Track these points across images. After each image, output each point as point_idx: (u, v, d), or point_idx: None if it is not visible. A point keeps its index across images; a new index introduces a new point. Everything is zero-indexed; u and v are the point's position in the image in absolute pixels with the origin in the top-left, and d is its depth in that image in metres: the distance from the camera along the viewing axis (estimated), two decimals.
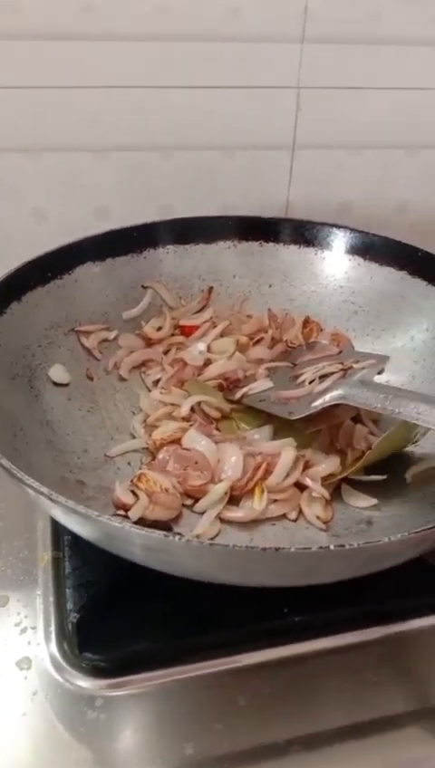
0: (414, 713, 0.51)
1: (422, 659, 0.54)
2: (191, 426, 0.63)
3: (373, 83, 0.83)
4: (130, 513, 0.56)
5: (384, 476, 0.60)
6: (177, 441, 0.62)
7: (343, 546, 0.39)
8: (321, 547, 0.38)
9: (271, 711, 0.50)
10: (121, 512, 0.57)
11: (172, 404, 0.67)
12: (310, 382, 0.67)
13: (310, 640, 0.54)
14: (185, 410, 0.65)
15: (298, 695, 0.51)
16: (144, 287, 0.76)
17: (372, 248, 0.74)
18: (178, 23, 0.75)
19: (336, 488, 0.61)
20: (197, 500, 0.59)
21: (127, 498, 0.56)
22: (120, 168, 0.82)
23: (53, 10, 0.72)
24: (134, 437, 0.66)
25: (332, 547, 0.38)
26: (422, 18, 0.79)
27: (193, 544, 0.39)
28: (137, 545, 0.42)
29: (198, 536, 0.54)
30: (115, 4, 0.73)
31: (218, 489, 0.57)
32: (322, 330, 0.77)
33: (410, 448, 0.63)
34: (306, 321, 0.77)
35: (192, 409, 0.66)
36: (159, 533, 0.39)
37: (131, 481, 0.57)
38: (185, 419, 0.65)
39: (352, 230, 0.75)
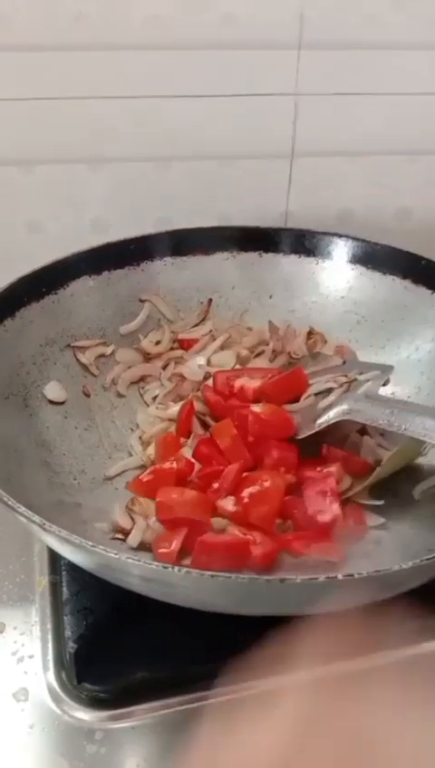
0: None
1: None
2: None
3: (372, 89, 0.81)
4: (129, 540, 0.54)
5: (382, 501, 0.58)
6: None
7: (351, 576, 0.37)
8: (328, 577, 0.36)
9: None
10: (120, 536, 0.55)
11: (169, 419, 0.65)
12: (315, 395, 0.65)
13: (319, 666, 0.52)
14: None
15: None
16: (142, 300, 0.74)
17: (375, 257, 0.73)
18: (171, 31, 0.73)
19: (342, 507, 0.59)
20: None
21: (125, 522, 0.54)
22: (116, 180, 0.81)
23: (46, 21, 0.71)
24: (132, 455, 0.64)
25: (340, 576, 0.36)
26: (419, 22, 0.78)
27: (193, 575, 0.37)
28: (134, 576, 0.40)
29: None
30: (108, 13, 0.72)
31: None
32: (326, 341, 0.75)
33: (418, 462, 0.61)
34: (310, 333, 0.75)
35: None
36: (157, 565, 0.37)
37: (127, 505, 0.55)
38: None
39: (354, 239, 0.73)
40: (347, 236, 0.74)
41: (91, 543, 0.39)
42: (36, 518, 0.41)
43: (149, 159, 0.80)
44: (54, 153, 0.78)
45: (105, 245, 0.71)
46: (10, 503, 0.42)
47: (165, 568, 0.37)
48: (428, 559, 0.38)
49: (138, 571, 0.39)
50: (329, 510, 0.56)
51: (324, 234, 0.75)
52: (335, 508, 0.56)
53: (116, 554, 0.38)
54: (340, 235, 0.74)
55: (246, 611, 0.44)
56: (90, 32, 0.72)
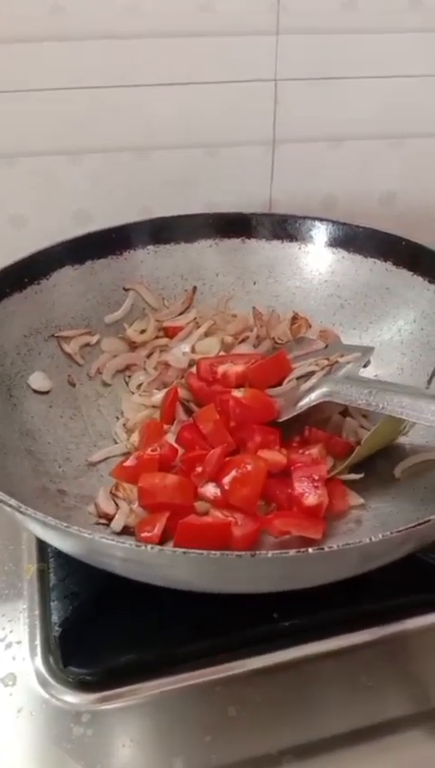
0: (413, 716, 0.49)
1: (419, 660, 0.53)
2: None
3: (352, 73, 0.81)
4: (112, 525, 0.54)
5: (361, 475, 0.58)
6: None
7: (322, 549, 0.37)
8: (299, 551, 0.36)
9: (263, 721, 0.48)
10: (104, 521, 0.55)
11: (154, 406, 0.65)
12: (297, 379, 0.65)
13: (301, 645, 0.52)
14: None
15: (291, 702, 0.49)
16: (126, 289, 0.74)
17: (356, 240, 0.73)
18: (149, 20, 0.73)
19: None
20: None
21: (108, 507, 0.55)
22: (98, 171, 0.81)
23: (23, 11, 0.71)
24: (117, 443, 0.64)
25: (310, 550, 0.37)
26: (398, 5, 0.78)
27: (166, 553, 0.37)
28: (111, 556, 0.41)
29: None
30: (85, 3, 0.72)
31: None
32: (310, 326, 0.75)
33: (398, 442, 0.61)
34: (295, 318, 0.75)
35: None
36: (130, 543, 0.37)
37: (110, 491, 0.55)
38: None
39: (335, 222, 0.74)
40: (328, 220, 0.74)
41: (65, 524, 0.39)
42: (12, 501, 0.41)
43: (129, 149, 0.81)
44: (35, 145, 0.78)
45: (87, 235, 0.71)
46: None
47: (138, 546, 0.37)
48: (398, 531, 0.38)
49: (113, 551, 0.40)
50: (315, 494, 0.56)
51: (305, 218, 0.75)
52: (322, 493, 0.56)
53: (90, 534, 0.38)
54: (321, 219, 0.75)
55: (224, 589, 0.44)
56: (67, 22, 0.72)
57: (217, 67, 0.78)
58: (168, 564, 0.39)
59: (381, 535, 0.37)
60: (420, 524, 0.39)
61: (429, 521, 0.40)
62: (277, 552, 0.37)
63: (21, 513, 0.41)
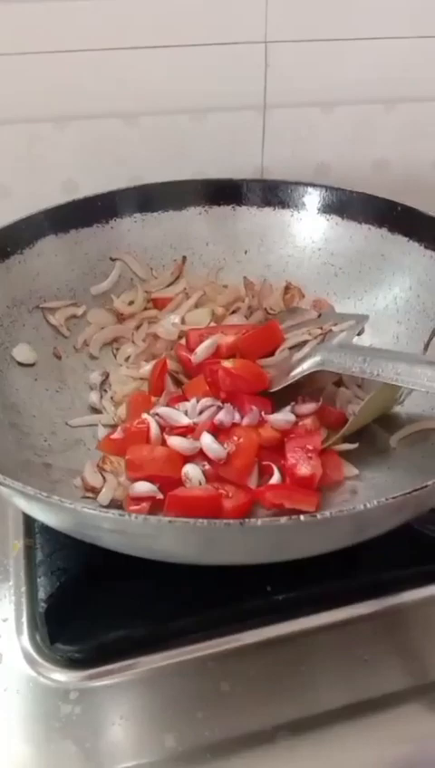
0: (410, 690, 0.48)
1: (417, 633, 0.51)
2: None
3: (345, 35, 0.78)
4: (99, 498, 0.53)
5: (356, 445, 0.57)
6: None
7: (314, 516, 0.35)
8: (290, 518, 0.35)
9: (256, 696, 0.47)
10: (91, 494, 0.54)
11: (142, 379, 0.63)
12: (290, 349, 0.64)
13: (296, 619, 0.51)
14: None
15: (285, 677, 0.48)
16: (112, 259, 0.72)
17: (350, 206, 0.71)
18: None
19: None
20: None
21: (95, 481, 0.53)
22: (84, 138, 0.78)
23: None
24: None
25: (302, 518, 0.35)
26: None
27: (151, 522, 0.36)
28: (95, 528, 0.39)
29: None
30: None
31: None
32: (303, 296, 0.73)
33: (394, 411, 0.60)
34: (287, 287, 0.73)
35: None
36: (114, 513, 0.36)
37: (97, 464, 0.54)
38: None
39: (328, 188, 0.72)
40: (321, 185, 0.72)
41: (47, 495, 0.37)
42: None
43: (116, 116, 0.78)
44: (17, 112, 0.75)
45: (71, 202, 0.69)
46: None
47: (122, 516, 0.36)
48: (393, 498, 0.36)
49: (98, 522, 0.38)
50: (308, 464, 0.55)
51: (298, 184, 0.73)
52: (316, 464, 0.54)
53: (73, 504, 0.37)
54: (314, 185, 0.72)
55: (212, 560, 0.43)
56: None
57: (206, 29, 0.75)
58: (154, 534, 0.38)
59: (376, 501, 0.36)
60: (416, 490, 0.38)
61: (425, 486, 0.38)
62: (268, 519, 0.35)
63: (3, 485, 0.39)
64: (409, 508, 0.40)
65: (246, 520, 0.34)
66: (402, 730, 0.46)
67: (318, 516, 0.35)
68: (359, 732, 0.46)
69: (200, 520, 0.34)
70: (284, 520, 0.35)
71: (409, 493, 0.37)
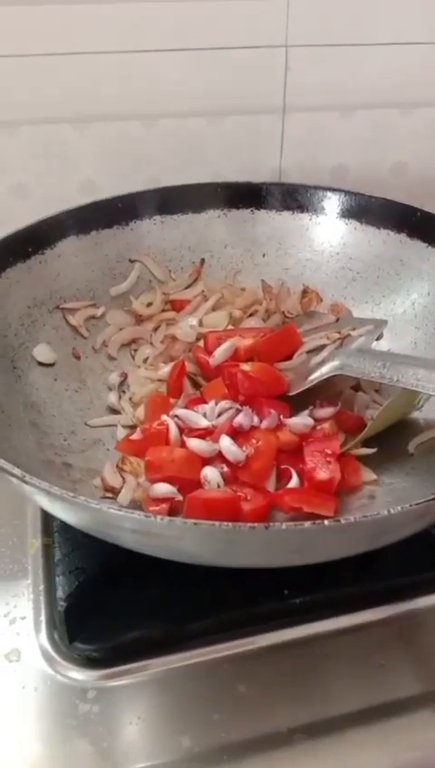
0: (425, 696, 0.48)
1: (432, 639, 0.52)
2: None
3: (365, 40, 0.79)
4: (119, 498, 0.53)
5: (374, 450, 0.57)
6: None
7: (338, 521, 0.36)
8: (314, 522, 0.35)
9: (272, 698, 0.47)
10: (110, 494, 0.54)
11: (160, 380, 0.64)
12: (308, 353, 0.64)
13: (312, 623, 0.51)
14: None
15: (301, 680, 0.48)
16: (132, 261, 0.72)
17: (369, 210, 0.71)
18: None
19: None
20: None
21: (115, 481, 0.53)
22: (103, 140, 0.79)
23: None
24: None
25: (326, 522, 0.35)
26: None
27: (176, 524, 0.36)
28: (118, 528, 0.40)
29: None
30: None
31: None
32: (321, 300, 0.73)
33: (412, 417, 0.60)
34: (305, 291, 0.74)
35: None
36: (140, 513, 0.36)
37: (117, 464, 0.54)
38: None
39: (347, 192, 0.72)
40: (340, 190, 0.72)
41: (72, 494, 0.38)
42: (17, 471, 0.40)
43: (136, 118, 0.78)
44: (37, 113, 0.76)
45: (92, 204, 0.69)
46: None
47: (147, 517, 0.36)
48: (417, 504, 0.37)
49: (122, 523, 0.38)
50: (327, 468, 0.55)
51: (317, 188, 0.73)
52: (334, 468, 0.54)
53: (98, 504, 0.37)
54: (333, 189, 0.73)
55: (233, 563, 0.43)
56: None
57: (227, 32, 0.75)
58: (178, 536, 0.38)
59: (400, 507, 0.36)
60: None
61: None
62: (292, 523, 0.35)
63: (26, 483, 0.39)
64: (431, 514, 0.40)
65: (272, 524, 0.35)
66: (417, 735, 0.47)
67: (342, 521, 0.35)
68: (373, 736, 0.46)
69: (225, 522, 0.35)
70: (308, 524, 0.35)
71: (432, 499, 0.37)
